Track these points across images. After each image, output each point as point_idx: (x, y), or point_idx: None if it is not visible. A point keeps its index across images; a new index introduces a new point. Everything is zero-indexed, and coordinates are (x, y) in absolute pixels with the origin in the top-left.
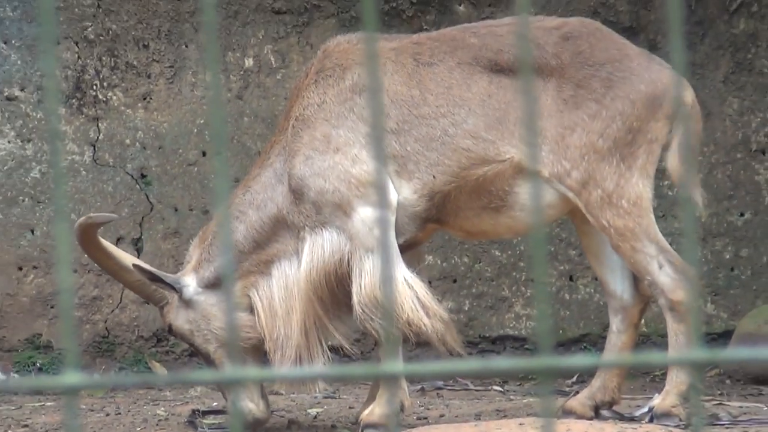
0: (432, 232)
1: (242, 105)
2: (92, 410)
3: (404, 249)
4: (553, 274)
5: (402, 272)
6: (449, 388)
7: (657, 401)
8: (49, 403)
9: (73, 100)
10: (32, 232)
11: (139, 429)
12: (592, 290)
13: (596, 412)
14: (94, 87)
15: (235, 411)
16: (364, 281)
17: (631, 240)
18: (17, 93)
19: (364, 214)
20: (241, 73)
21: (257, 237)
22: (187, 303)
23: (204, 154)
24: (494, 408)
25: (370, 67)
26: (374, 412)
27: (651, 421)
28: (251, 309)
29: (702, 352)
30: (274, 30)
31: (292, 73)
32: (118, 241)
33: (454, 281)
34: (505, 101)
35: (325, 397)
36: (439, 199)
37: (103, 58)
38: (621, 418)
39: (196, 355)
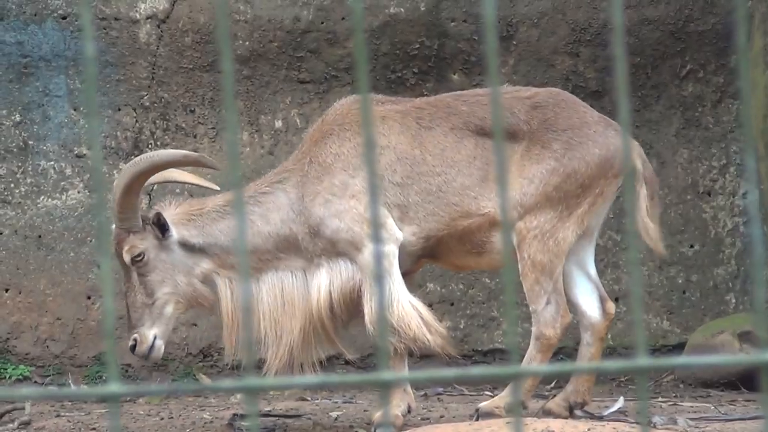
0: (422, 265)
1: (273, 159)
2: (149, 415)
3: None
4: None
5: (407, 296)
6: (448, 393)
7: (485, 404)
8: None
9: (132, 157)
10: (98, 266)
11: (188, 431)
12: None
13: (571, 412)
14: (149, 146)
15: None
16: (373, 304)
17: (538, 273)
18: (85, 151)
19: (373, 249)
20: (272, 132)
21: (259, 245)
22: (164, 246)
23: None
24: None
25: (365, 123)
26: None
27: (477, 419)
28: (215, 291)
29: (647, 360)
30: (299, 96)
31: None
32: None
33: (452, 304)
34: (487, 162)
35: (344, 402)
36: (433, 241)
37: (157, 122)
38: (591, 417)
39: (235, 368)
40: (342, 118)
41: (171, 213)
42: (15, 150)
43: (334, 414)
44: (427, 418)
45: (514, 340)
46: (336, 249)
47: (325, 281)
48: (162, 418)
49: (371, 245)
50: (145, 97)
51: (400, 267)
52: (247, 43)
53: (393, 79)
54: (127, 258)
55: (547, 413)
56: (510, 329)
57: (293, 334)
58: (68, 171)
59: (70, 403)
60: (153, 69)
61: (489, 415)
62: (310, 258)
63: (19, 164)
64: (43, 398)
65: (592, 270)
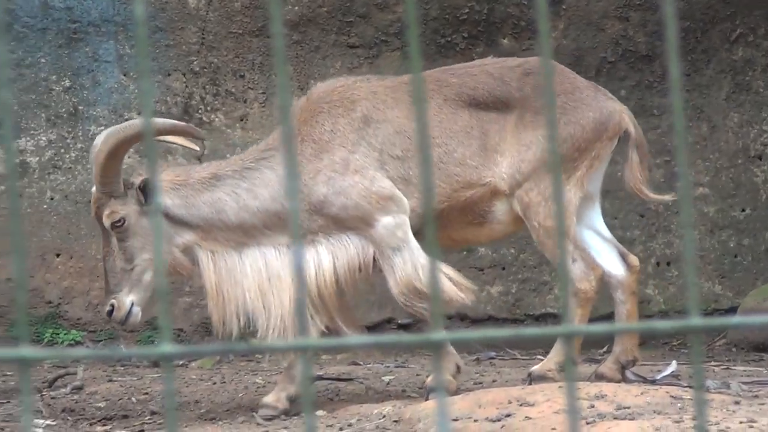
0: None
1: None
2: (202, 380)
3: None
4: None
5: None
6: (500, 357)
7: (537, 367)
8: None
9: (184, 120)
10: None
11: (240, 395)
12: None
13: (623, 375)
14: (199, 111)
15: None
16: (399, 275)
17: (555, 238)
18: (135, 117)
19: (386, 221)
20: None
21: (246, 220)
22: (145, 212)
23: None
24: None
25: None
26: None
27: (530, 383)
28: (193, 261)
29: (700, 320)
30: (349, 61)
31: None
32: None
33: (503, 269)
34: (483, 132)
35: (396, 366)
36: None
37: (207, 87)
38: (644, 381)
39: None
40: (329, 96)
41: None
42: (65, 115)
43: (386, 378)
44: (480, 383)
45: (567, 300)
46: (344, 225)
47: (327, 258)
48: (214, 383)
49: (383, 218)
50: (195, 63)
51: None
52: (296, 8)
53: (443, 43)
54: (107, 222)
55: (600, 377)
56: (562, 290)
57: (283, 307)
58: None
59: (122, 368)
60: (202, 34)
61: (542, 378)
62: (302, 235)
63: (69, 129)
64: (95, 360)
65: (604, 230)
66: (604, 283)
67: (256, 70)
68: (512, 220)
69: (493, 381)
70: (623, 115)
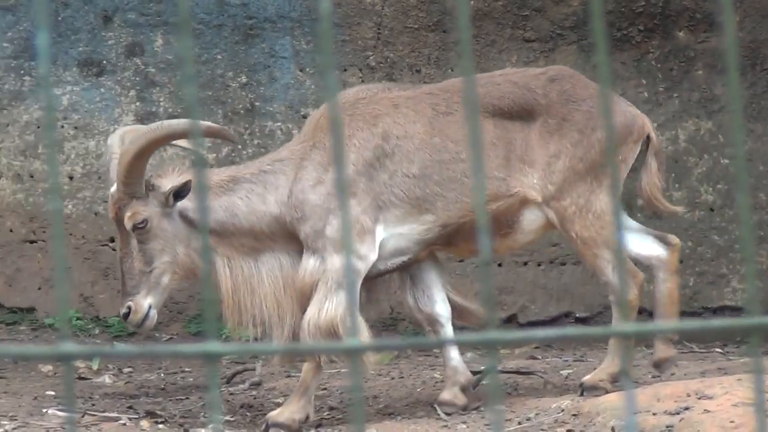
0: (429, 253)
1: None
2: (380, 375)
3: (407, 265)
4: (761, 254)
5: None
6: (679, 351)
7: (588, 377)
8: (343, 370)
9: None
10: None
11: (418, 390)
12: None
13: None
14: None
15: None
16: (326, 310)
17: (593, 248)
18: (311, 112)
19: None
20: None
21: (254, 224)
22: (166, 214)
23: None
24: (716, 366)
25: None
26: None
27: (582, 394)
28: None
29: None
30: (525, 55)
31: None
32: None
33: (681, 261)
34: (508, 142)
35: (575, 360)
36: (452, 228)
37: (383, 82)
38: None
39: None
40: (352, 108)
41: (172, 181)
42: (242, 112)
43: (564, 372)
44: (658, 376)
45: (753, 293)
46: (316, 242)
47: (302, 273)
48: (392, 378)
49: (348, 255)
50: (371, 58)
51: (408, 254)
52: (472, 2)
53: (618, 37)
54: (129, 224)
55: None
56: (749, 278)
57: (296, 317)
58: (295, 132)
59: (300, 363)
60: (378, 29)
61: (594, 389)
62: (296, 242)
63: (246, 125)
64: (282, 354)
65: (630, 222)
66: (648, 267)
67: (432, 64)
68: (538, 229)
69: (672, 374)
70: (645, 120)
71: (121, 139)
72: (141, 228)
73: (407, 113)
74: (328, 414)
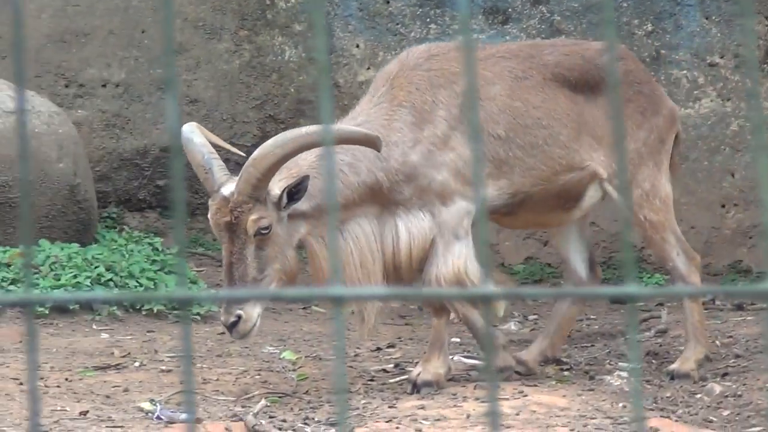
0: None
1: None
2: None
3: None
4: None
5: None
6: None
7: (676, 365)
8: (749, 318)
9: (765, 65)
10: (732, 175)
11: None
12: None
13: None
14: None
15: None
16: (451, 262)
17: (661, 232)
18: (717, 60)
19: (460, 206)
20: None
21: (348, 197)
22: (280, 217)
23: None
24: None
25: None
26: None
27: (672, 379)
28: (300, 249)
29: None
30: None
31: None
32: None
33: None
34: (579, 114)
35: None
36: (520, 197)
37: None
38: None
39: None
40: (426, 63)
41: (277, 184)
42: (648, 60)
43: None
44: None
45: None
46: (422, 200)
47: (405, 233)
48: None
49: (459, 201)
50: None
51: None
52: None
53: None
54: (253, 228)
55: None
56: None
57: (378, 283)
58: (701, 80)
59: (706, 311)
60: None
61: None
62: (386, 205)
63: (652, 73)
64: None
65: None
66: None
67: None
68: (590, 207)
69: None
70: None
71: (276, 143)
72: (265, 233)
73: (485, 75)
74: (733, 362)
